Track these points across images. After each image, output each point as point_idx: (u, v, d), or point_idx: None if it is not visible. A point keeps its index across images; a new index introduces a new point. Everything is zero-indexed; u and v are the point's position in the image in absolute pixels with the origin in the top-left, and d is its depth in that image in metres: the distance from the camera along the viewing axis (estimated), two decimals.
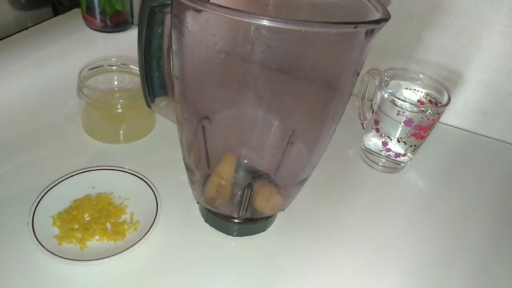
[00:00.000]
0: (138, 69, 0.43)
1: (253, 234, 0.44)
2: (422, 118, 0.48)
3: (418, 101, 0.52)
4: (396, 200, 0.52)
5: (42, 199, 0.41)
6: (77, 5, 0.81)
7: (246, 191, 0.38)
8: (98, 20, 0.76)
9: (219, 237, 0.43)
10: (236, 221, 0.42)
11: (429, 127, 0.50)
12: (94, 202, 0.43)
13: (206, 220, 0.44)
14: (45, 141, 0.52)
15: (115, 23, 0.77)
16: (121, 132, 0.53)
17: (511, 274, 0.44)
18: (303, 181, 0.41)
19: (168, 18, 0.38)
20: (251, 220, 0.42)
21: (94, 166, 0.46)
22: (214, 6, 0.27)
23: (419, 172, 0.56)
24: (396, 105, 0.49)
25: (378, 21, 0.29)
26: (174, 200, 0.45)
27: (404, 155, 0.53)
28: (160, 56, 0.41)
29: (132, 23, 0.80)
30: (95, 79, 0.54)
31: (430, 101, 0.52)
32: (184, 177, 0.43)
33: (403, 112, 0.48)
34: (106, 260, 0.37)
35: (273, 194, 0.40)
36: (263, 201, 0.40)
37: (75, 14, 0.80)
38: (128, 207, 0.44)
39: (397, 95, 0.51)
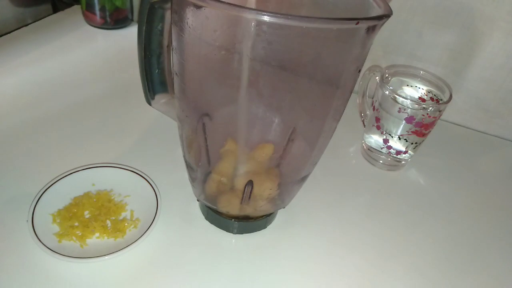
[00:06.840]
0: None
1: (253, 232, 0.44)
2: (423, 115, 0.48)
3: (420, 98, 0.51)
4: (397, 198, 0.51)
5: (42, 196, 0.41)
6: (76, 1, 0.81)
7: (246, 188, 0.38)
8: (98, 17, 0.75)
9: (219, 234, 0.43)
10: (236, 218, 0.42)
11: (431, 124, 0.50)
12: (94, 200, 0.43)
13: (207, 218, 0.44)
14: (45, 138, 0.51)
15: (115, 19, 0.77)
16: None
17: None
18: (303, 178, 0.41)
19: (168, 14, 0.38)
20: (251, 217, 0.42)
21: (94, 163, 0.46)
22: (215, 1, 0.26)
23: (420, 170, 0.56)
24: (397, 102, 0.49)
25: (379, 17, 0.29)
26: (174, 198, 0.45)
27: (405, 152, 0.53)
28: (160, 53, 0.41)
29: (132, 20, 0.80)
30: None
31: (432, 98, 0.51)
32: (185, 174, 0.43)
33: (404, 109, 0.48)
34: (106, 257, 0.37)
35: (273, 191, 0.40)
36: (263, 198, 0.40)
37: (75, 11, 0.80)
38: (128, 204, 0.44)
39: (399, 92, 0.50)
